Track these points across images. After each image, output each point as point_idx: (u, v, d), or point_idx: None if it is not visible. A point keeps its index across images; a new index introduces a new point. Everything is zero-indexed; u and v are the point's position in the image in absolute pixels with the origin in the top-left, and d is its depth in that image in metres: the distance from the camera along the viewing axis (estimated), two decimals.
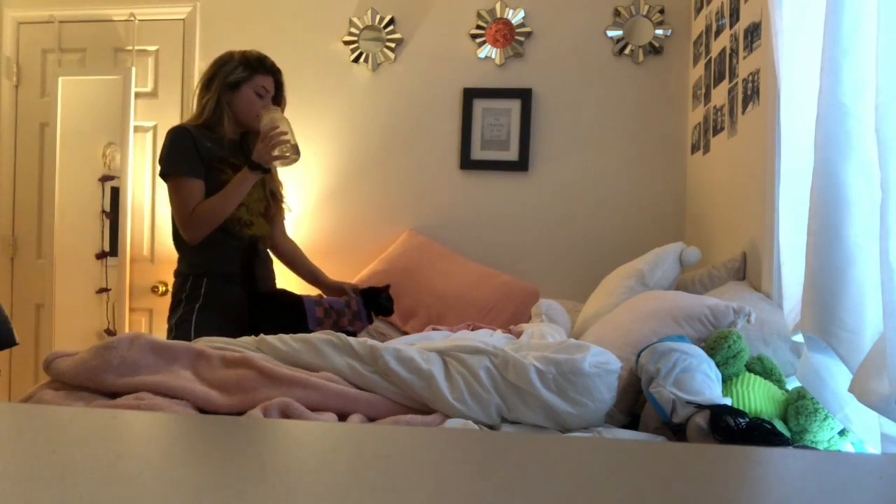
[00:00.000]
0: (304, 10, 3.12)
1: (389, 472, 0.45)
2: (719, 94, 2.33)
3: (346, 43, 3.08)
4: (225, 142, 2.02)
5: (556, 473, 0.45)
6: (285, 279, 2.66)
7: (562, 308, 2.24)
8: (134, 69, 3.14)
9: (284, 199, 2.29)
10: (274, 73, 2.13)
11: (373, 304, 2.19)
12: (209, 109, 2.01)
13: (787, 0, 1.47)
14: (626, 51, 2.91)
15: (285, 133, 1.92)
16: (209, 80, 2.03)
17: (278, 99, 2.18)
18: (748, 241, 1.98)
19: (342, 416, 1.22)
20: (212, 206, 1.94)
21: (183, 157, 1.94)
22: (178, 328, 1.97)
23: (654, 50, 2.90)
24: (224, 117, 2.01)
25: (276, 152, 1.91)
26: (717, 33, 2.39)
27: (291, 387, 1.22)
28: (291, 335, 1.40)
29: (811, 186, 1.18)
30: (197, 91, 2.07)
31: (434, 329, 2.07)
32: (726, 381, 1.29)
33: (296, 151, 1.97)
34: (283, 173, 3.10)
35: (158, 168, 1.99)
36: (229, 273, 2.00)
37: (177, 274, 2.07)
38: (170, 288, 2.11)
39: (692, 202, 2.78)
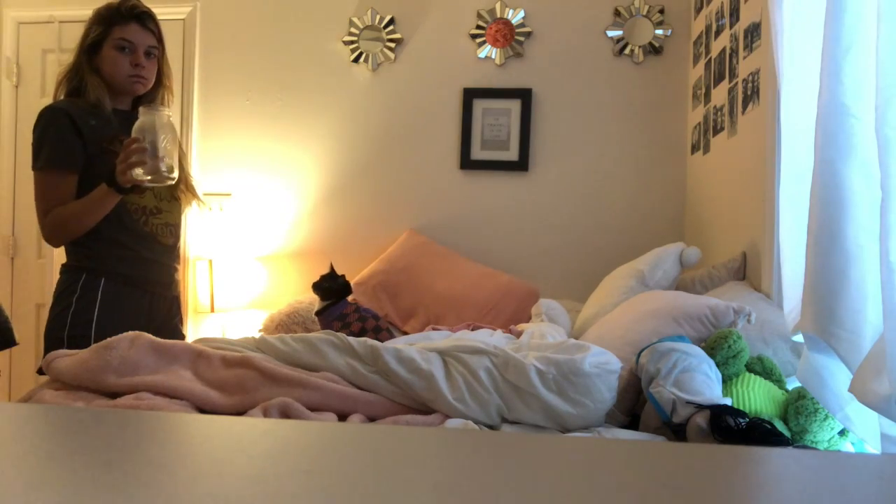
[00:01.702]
0: (304, 10, 3.12)
1: (389, 472, 0.45)
2: (719, 94, 2.33)
3: (346, 43, 3.08)
4: (112, 117, 1.71)
5: (556, 473, 0.45)
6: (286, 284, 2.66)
7: (562, 308, 2.24)
8: None
9: (192, 179, 1.91)
10: (137, 17, 1.72)
11: (341, 289, 2.30)
12: (76, 81, 1.72)
13: (787, 0, 1.47)
14: (626, 51, 2.91)
15: (144, 150, 1.52)
16: (79, 41, 1.73)
17: (160, 50, 1.79)
18: (748, 241, 1.98)
19: (342, 416, 1.22)
20: (69, 214, 1.64)
21: (56, 144, 1.64)
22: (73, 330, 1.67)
23: (654, 50, 2.90)
24: (96, 88, 1.70)
25: (133, 173, 1.53)
26: (717, 33, 2.39)
27: (291, 387, 1.22)
28: (291, 335, 1.40)
29: (811, 186, 1.18)
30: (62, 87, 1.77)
31: (434, 329, 2.07)
32: (726, 381, 1.30)
33: (161, 172, 1.55)
34: (281, 172, 3.11)
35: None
36: (128, 275, 1.75)
37: (65, 269, 1.75)
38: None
39: (692, 202, 2.78)
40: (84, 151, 1.67)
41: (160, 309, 1.86)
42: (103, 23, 1.71)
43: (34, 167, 1.67)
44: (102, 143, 1.68)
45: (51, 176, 1.65)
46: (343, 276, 2.34)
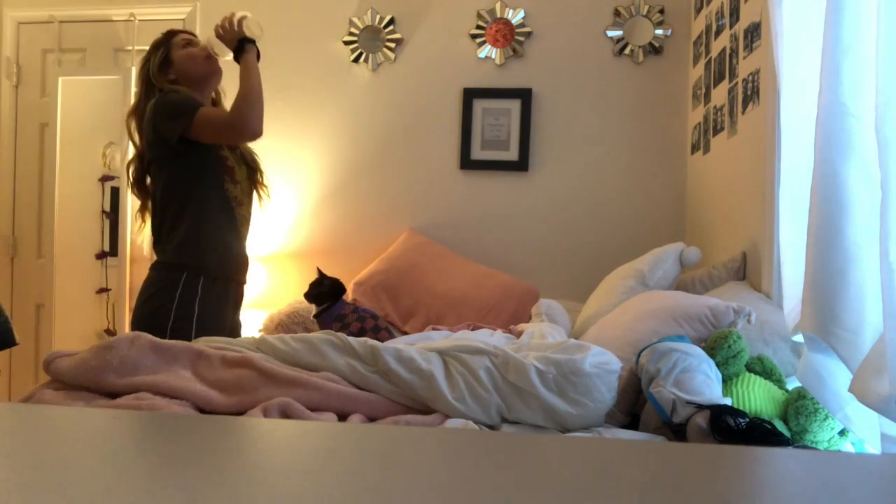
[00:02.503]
0: (304, 10, 3.12)
1: (389, 472, 0.45)
2: (719, 94, 2.33)
3: (346, 43, 3.08)
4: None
5: (556, 473, 0.45)
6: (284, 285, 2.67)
7: (562, 308, 2.24)
8: (134, 69, 3.13)
9: (265, 176, 2.12)
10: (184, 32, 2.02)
11: (332, 291, 2.30)
12: (186, 77, 1.91)
13: (787, 0, 1.47)
14: (626, 51, 2.91)
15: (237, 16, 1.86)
16: (149, 84, 1.90)
17: None
18: (748, 241, 1.98)
19: (342, 416, 1.22)
20: (244, 95, 1.79)
21: (188, 98, 1.83)
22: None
23: (654, 50, 2.90)
24: (208, 71, 1.94)
25: (246, 24, 1.85)
26: (717, 33, 2.39)
27: (291, 387, 1.22)
28: (291, 335, 1.40)
29: (811, 186, 1.18)
30: (143, 85, 1.92)
31: (434, 329, 2.07)
32: (726, 381, 1.30)
33: (258, 24, 1.89)
34: (281, 172, 3.11)
35: (167, 133, 1.79)
36: (222, 272, 1.92)
37: (163, 267, 1.89)
38: None
39: (692, 202, 2.78)
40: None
41: (240, 296, 2.07)
42: (161, 42, 1.94)
43: (189, 120, 1.78)
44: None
45: (207, 108, 1.83)
46: (332, 278, 2.34)
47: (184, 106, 1.81)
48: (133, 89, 1.98)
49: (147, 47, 1.98)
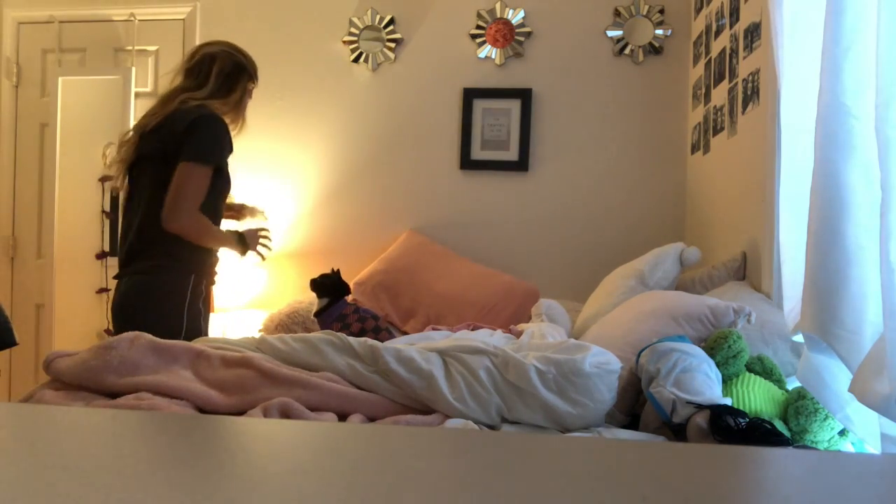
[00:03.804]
0: (304, 10, 3.12)
1: (389, 472, 0.45)
2: (719, 94, 2.33)
3: (346, 43, 3.08)
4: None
5: (556, 473, 0.45)
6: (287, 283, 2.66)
7: (562, 308, 2.24)
8: (134, 69, 3.14)
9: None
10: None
11: (336, 286, 2.31)
12: (233, 102, 2.01)
13: (787, 0, 1.47)
14: (626, 51, 2.91)
15: (269, 240, 2.14)
16: (237, 73, 2.00)
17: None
18: (748, 241, 1.98)
19: (342, 416, 1.22)
20: (208, 231, 1.91)
21: (224, 149, 1.92)
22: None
23: (654, 50, 2.90)
24: (237, 116, 2.07)
25: (261, 250, 2.11)
26: (717, 33, 2.39)
27: (291, 387, 1.22)
28: (291, 335, 1.40)
29: (811, 186, 1.18)
30: (215, 72, 1.96)
31: (434, 329, 2.07)
32: (726, 381, 1.29)
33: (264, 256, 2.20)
34: (281, 172, 3.12)
35: (193, 151, 1.84)
36: (213, 274, 2.06)
37: (167, 270, 1.92)
38: None
39: (692, 202, 2.78)
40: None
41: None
42: (254, 79, 2.09)
43: (201, 161, 1.85)
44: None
45: (210, 174, 1.87)
46: (342, 279, 2.34)
47: (215, 148, 1.90)
48: (182, 66, 2.01)
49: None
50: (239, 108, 2.04)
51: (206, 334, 2.09)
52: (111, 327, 2.06)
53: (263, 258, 2.13)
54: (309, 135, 3.11)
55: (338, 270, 2.36)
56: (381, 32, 3.06)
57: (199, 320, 1.95)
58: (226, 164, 1.95)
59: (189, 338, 1.80)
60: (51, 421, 0.55)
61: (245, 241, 2.04)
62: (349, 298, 2.38)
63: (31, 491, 0.39)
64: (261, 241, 2.09)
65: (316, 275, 2.36)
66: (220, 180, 1.94)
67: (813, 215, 1.17)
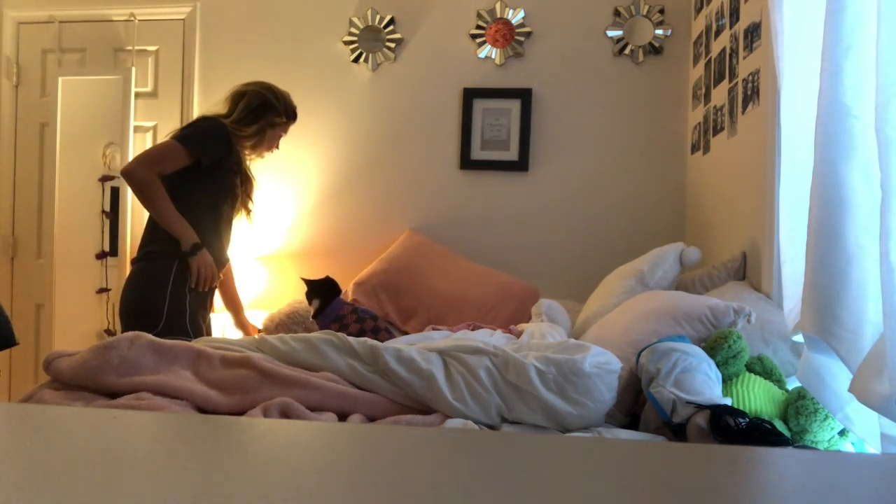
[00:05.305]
0: (304, 10, 3.12)
1: (389, 472, 0.45)
2: (719, 94, 2.33)
3: (346, 43, 3.08)
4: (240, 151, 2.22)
5: (556, 473, 0.45)
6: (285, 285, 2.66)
7: (562, 308, 2.24)
8: (134, 69, 3.14)
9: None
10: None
11: (329, 287, 2.34)
12: (252, 132, 2.18)
13: (787, 0, 1.47)
14: (626, 51, 2.91)
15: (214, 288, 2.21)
16: (262, 109, 2.19)
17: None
18: (748, 241, 1.98)
19: (342, 416, 1.22)
20: (156, 197, 1.99)
21: (208, 145, 2.05)
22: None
23: (654, 50, 2.90)
24: (258, 144, 2.24)
25: (199, 281, 2.08)
26: (717, 33, 2.39)
27: (291, 387, 1.22)
28: (291, 335, 1.40)
29: (811, 186, 1.18)
30: (241, 105, 2.17)
31: (434, 329, 2.07)
32: (726, 381, 1.29)
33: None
34: (281, 172, 3.12)
35: (177, 132, 2.06)
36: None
37: (153, 257, 2.07)
38: None
39: (692, 202, 2.78)
40: (221, 161, 2.09)
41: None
42: (288, 118, 2.27)
43: (179, 140, 2.02)
44: (234, 163, 2.14)
45: (184, 155, 2.01)
46: (320, 279, 2.36)
47: (197, 138, 2.07)
48: (225, 100, 2.24)
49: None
50: (260, 138, 2.21)
51: (206, 332, 2.16)
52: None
53: (193, 286, 2.07)
54: (309, 135, 3.11)
55: (327, 277, 2.36)
56: (381, 32, 3.05)
57: (185, 302, 2.04)
58: (217, 167, 2.08)
59: (173, 319, 2.00)
60: (51, 421, 0.55)
61: (195, 253, 2.03)
62: (349, 299, 2.38)
63: (32, 491, 0.39)
64: (202, 277, 2.05)
65: (316, 276, 2.36)
66: (210, 179, 2.08)
67: (813, 215, 1.17)
